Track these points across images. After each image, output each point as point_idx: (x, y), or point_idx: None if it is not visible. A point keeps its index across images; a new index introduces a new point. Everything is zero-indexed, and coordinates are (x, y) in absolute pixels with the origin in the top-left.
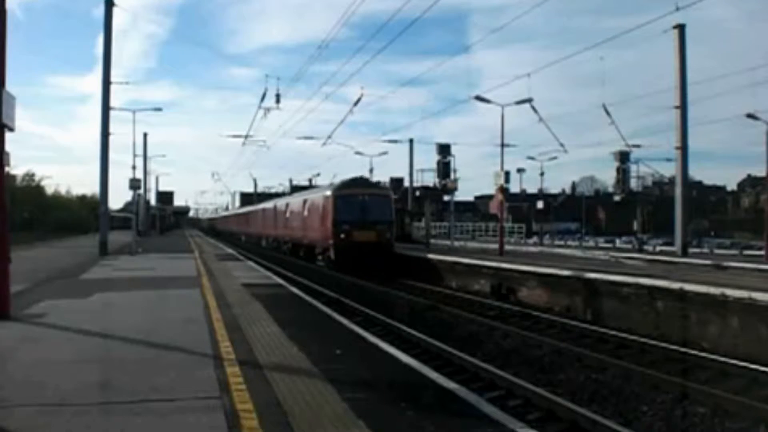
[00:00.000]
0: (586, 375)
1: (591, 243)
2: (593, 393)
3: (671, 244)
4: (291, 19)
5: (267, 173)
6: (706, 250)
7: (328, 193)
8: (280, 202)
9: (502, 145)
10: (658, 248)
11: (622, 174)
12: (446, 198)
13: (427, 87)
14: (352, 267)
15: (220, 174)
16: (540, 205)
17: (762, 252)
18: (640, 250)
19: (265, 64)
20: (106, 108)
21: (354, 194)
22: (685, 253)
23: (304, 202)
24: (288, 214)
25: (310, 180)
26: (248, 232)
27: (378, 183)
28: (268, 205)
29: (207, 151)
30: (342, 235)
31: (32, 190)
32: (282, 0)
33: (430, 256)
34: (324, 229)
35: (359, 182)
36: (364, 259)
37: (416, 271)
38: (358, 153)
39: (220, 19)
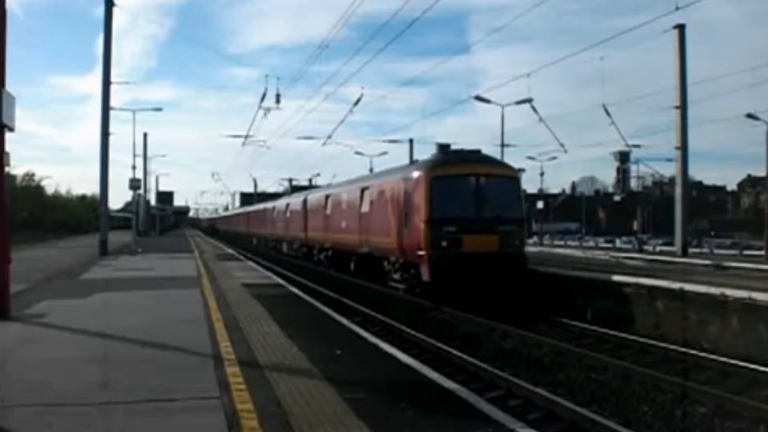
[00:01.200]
0: (586, 375)
1: (591, 243)
2: (593, 393)
3: (671, 244)
4: (291, 19)
5: (267, 173)
6: (706, 250)
7: (417, 173)
8: (314, 195)
9: (502, 145)
10: (658, 248)
11: (622, 174)
12: None
13: (427, 87)
14: (461, 293)
15: (220, 174)
16: (540, 205)
17: (762, 252)
18: (640, 251)
19: (265, 64)
20: (106, 108)
21: (463, 175)
22: (685, 253)
23: (363, 190)
24: (329, 211)
25: (310, 180)
26: (262, 234)
27: (494, 158)
28: (295, 198)
29: (207, 151)
30: (444, 243)
31: (32, 190)
32: (282, 0)
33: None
34: (410, 232)
35: (468, 156)
36: (481, 281)
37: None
38: (358, 153)
39: (220, 19)
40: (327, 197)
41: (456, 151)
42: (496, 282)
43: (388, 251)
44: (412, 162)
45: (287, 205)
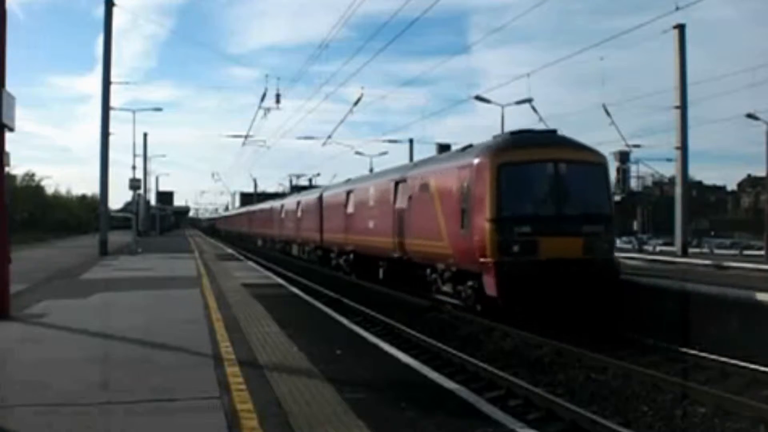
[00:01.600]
0: (586, 375)
1: None
2: (593, 393)
3: (671, 244)
4: (291, 19)
5: (267, 173)
6: (706, 250)
7: (478, 160)
8: (332, 191)
9: None
10: (658, 248)
11: (622, 174)
12: None
13: (427, 87)
14: (536, 310)
15: (220, 174)
16: None
17: (762, 252)
18: (640, 250)
19: (265, 64)
20: (106, 108)
21: (539, 161)
22: (685, 253)
23: (397, 183)
24: (351, 209)
25: (310, 180)
26: (269, 235)
27: (575, 140)
28: (308, 195)
29: (207, 151)
30: (515, 248)
31: (32, 190)
32: (282, 0)
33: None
34: (469, 233)
35: (543, 137)
36: (561, 296)
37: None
38: (358, 153)
39: (220, 19)
40: (349, 193)
41: (527, 131)
42: (581, 297)
43: (436, 257)
44: (467, 147)
45: (298, 203)
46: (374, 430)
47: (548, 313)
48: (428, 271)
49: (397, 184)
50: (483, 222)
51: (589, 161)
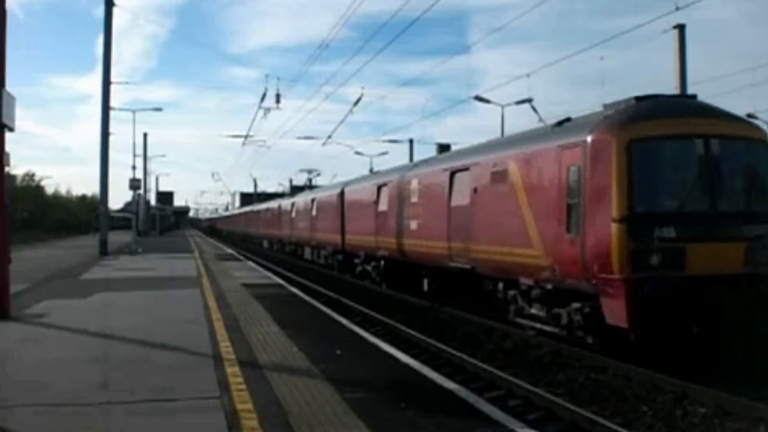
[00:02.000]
0: (586, 375)
1: None
2: (593, 393)
3: None
4: (291, 19)
5: (267, 173)
6: None
7: (593, 136)
8: (358, 185)
9: None
10: None
11: None
12: None
13: (427, 87)
14: (682, 345)
15: (220, 174)
16: None
17: None
18: None
19: (265, 64)
20: (106, 108)
21: (684, 136)
22: None
23: (454, 174)
24: (383, 206)
25: (310, 180)
26: (277, 236)
27: (723, 109)
28: (325, 192)
29: (207, 151)
30: (655, 259)
31: (32, 190)
32: (282, 0)
33: None
34: (583, 237)
35: (685, 105)
36: (716, 326)
37: None
38: (358, 153)
39: (220, 19)
40: (380, 187)
41: (658, 96)
42: (741, 327)
43: (519, 269)
44: (563, 121)
45: (313, 201)
46: (374, 430)
47: (696, 350)
48: (501, 285)
49: (453, 174)
50: (606, 222)
51: (749, 137)
